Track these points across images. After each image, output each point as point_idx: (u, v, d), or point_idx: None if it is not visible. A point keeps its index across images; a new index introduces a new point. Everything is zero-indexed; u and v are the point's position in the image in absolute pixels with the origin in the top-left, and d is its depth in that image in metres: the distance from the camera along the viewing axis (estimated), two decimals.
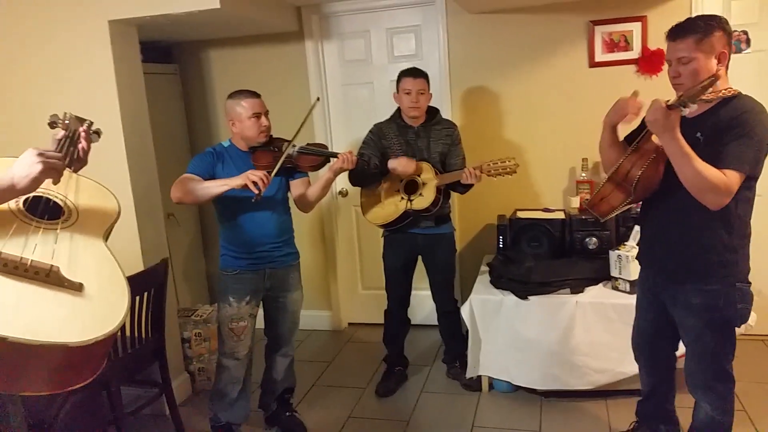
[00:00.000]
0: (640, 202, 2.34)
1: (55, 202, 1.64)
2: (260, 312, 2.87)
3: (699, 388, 2.26)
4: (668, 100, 1.92)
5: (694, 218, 2.08)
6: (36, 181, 1.45)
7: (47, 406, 2.17)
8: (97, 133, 1.92)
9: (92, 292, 1.46)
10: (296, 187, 2.83)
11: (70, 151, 1.69)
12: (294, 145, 2.73)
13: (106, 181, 3.04)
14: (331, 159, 2.77)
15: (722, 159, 1.94)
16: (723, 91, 2.02)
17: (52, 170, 1.48)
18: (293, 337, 2.97)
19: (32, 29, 3.04)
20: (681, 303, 2.20)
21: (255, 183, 2.46)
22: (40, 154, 1.47)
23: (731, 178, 1.92)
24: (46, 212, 1.59)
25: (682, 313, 2.21)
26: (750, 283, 2.15)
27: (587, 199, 2.26)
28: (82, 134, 1.78)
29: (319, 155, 2.77)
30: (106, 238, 1.67)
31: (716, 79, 1.87)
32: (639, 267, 2.47)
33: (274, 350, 2.95)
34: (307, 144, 2.82)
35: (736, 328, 2.19)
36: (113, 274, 1.55)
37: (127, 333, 2.76)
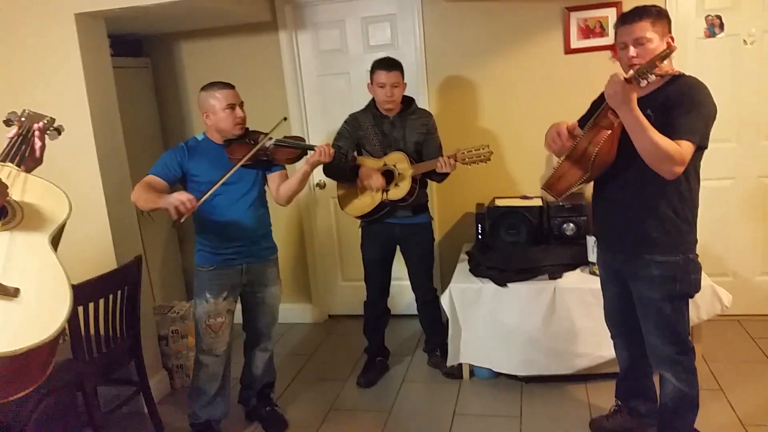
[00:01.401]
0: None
1: None
2: (238, 307, 2.84)
3: (663, 362, 2.32)
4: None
5: (650, 189, 2.16)
6: None
7: (19, 407, 2.12)
8: (58, 130, 1.87)
9: (29, 297, 1.37)
10: (273, 180, 2.79)
11: (22, 149, 1.65)
12: (270, 138, 2.69)
13: (76, 178, 3.00)
14: (308, 152, 2.73)
15: (675, 131, 2.03)
16: (671, 71, 2.13)
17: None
18: (272, 332, 2.94)
19: None
20: (640, 277, 2.27)
21: (177, 207, 2.37)
22: None
23: (685, 147, 2.02)
24: None
25: (642, 286, 2.28)
26: (698, 254, 2.25)
27: (546, 181, 2.31)
28: (36, 132, 1.74)
29: (296, 148, 2.73)
30: (55, 239, 1.59)
31: (671, 51, 1.96)
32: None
33: (252, 345, 2.93)
34: (284, 137, 2.78)
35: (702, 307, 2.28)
36: (55, 279, 1.45)
37: (102, 332, 2.72)
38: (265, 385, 3.00)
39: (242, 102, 2.71)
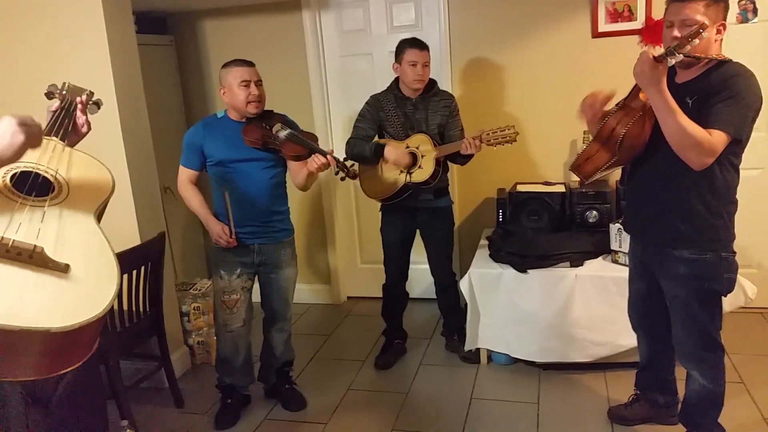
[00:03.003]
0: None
1: (44, 178, 1.54)
2: (257, 285, 2.87)
3: (689, 359, 2.28)
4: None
5: (680, 181, 2.08)
6: (20, 152, 1.37)
7: (45, 381, 2.16)
8: (97, 104, 1.85)
9: (79, 273, 1.37)
10: (291, 165, 2.78)
11: (65, 123, 1.63)
12: (284, 128, 2.64)
13: (100, 155, 3.00)
14: (315, 154, 2.62)
15: (709, 119, 1.94)
16: (715, 56, 2.01)
17: (33, 137, 1.40)
18: (287, 313, 2.95)
19: (23, 1, 2.96)
20: (668, 273, 2.21)
21: (217, 241, 2.71)
22: (22, 123, 1.38)
23: (716, 137, 1.92)
24: (34, 188, 1.50)
25: (669, 283, 2.22)
26: (735, 252, 2.16)
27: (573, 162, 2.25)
28: (79, 106, 1.72)
29: (305, 147, 2.65)
30: (98, 215, 1.58)
31: (704, 28, 1.83)
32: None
33: (270, 325, 2.96)
34: (301, 131, 2.72)
35: (725, 298, 2.20)
36: (102, 255, 1.45)
37: (125, 307, 2.76)
38: (284, 364, 3.03)
39: (260, 80, 2.69)
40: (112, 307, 2.61)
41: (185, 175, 2.76)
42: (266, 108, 2.76)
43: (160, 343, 3.00)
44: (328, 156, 2.61)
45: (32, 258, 1.31)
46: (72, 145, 1.72)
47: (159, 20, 4.05)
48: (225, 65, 2.69)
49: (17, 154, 1.38)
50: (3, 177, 1.49)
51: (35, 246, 1.33)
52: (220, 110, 2.79)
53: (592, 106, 2.22)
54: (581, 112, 2.27)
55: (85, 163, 1.68)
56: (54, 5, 2.93)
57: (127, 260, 2.71)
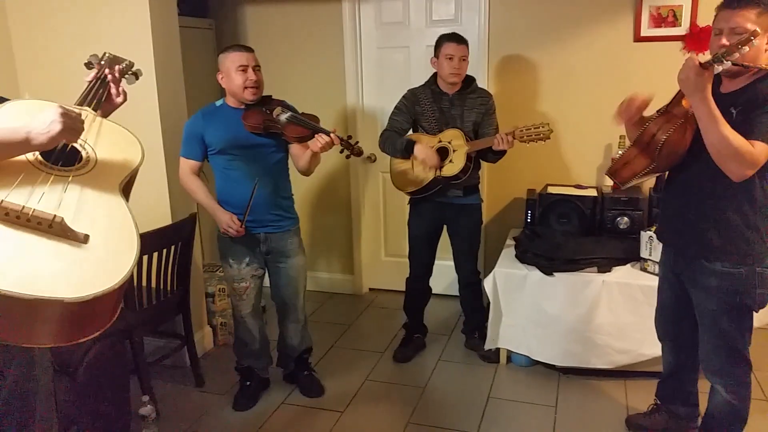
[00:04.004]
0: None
1: (72, 147, 1.55)
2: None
3: (715, 373, 2.24)
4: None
5: (719, 191, 2.04)
6: (53, 141, 1.39)
7: (72, 350, 2.22)
8: (136, 74, 1.87)
9: (98, 244, 1.36)
10: (293, 148, 2.76)
11: (99, 93, 1.64)
12: (285, 111, 2.62)
13: (137, 134, 3.06)
14: (318, 134, 2.59)
15: (752, 130, 1.89)
16: (764, 65, 1.95)
17: (71, 131, 1.42)
18: (299, 303, 2.94)
19: None
20: (699, 285, 2.17)
21: (226, 230, 2.67)
22: (64, 114, 1.40)
23: (759, 149, 1.88)
24: (61, 158, 1.50)
25: (700, 295, 2.19)
26: None
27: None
28: (110, 77, 1.71)
29: (307, 128, 2.63)
30: (126, 186, 1.57)
31: (755, 36, 1.77)
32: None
33: (283, 317, 2.97)
34: (302, 113, 2.70)
35: (755, 313, 2.15)
36: (124, 227, 1.44)
37: (153, 285, 2.81)
38: (302, 352, 3.05)
39: (258, 66, 2.66)
40: (140, 284, 2.69)
41: (187, 166, 2.73)
42: (283, 97, 2.75)
43: (184, 322, 3.05)
44: (332, 134, 2.58)
45: (51, 228, 1.32)
46: (106, 115, 1.74)
47: (200, 3, 4.09)
48: (222, 50, 2.68)
49: (51, 142, 1.40)
50: None
51: (55, 216, 1.33)
52: (219, 99, 2.77)
53: (628, 110, 2.19)
54: (618, 114, 2.24)
55: (116, 133, 1.68)
56: None
57: (158, 239, 2.77)
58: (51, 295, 1.22)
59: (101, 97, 1.67)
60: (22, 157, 1.44)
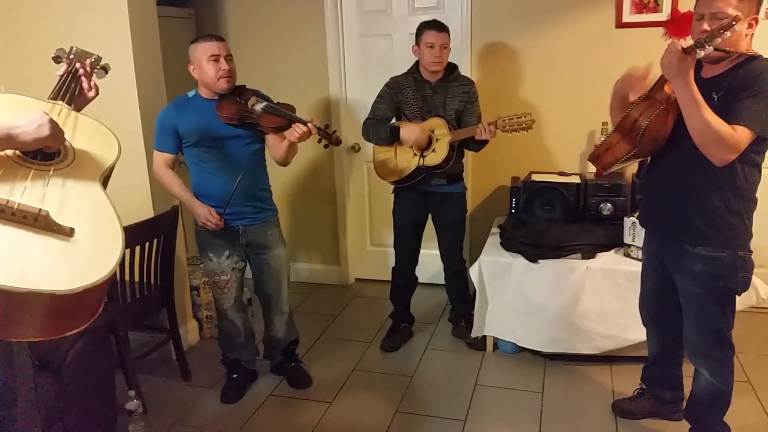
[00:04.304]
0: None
1: None
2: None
3: (699, 356, 2.27)
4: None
5: (700, 177, 2.05)
6: (38, 143, 1.42)
7: (56, 347, 2.19)
8: (104, 69, 1.85)
9: (83, 237, 1.38)
10: (269, 139, 2.73)
11: (72, 87, 1.63)
12: (259, 101, 2.58)
13: (117, 127, 3.01)
14: (295, 123, 2.56)
15: (734, 115, 1.90)
16: (745, 50, 1.97)
17: (56, 139, 1.44)
18: (283, 295, 2.92)
19: None
20: (683, 269, 2.19)
21: (204, 224, 2.64)
22: (53, 122, 1.43)
23: (740, 133, 1.89)
24: (38, 153, 1.49)
25: (684, 279, 2.21)
26: (751, 251, 2.14)
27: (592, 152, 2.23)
28: (81, 71, 1.70)
29: (283, 117, 2.59)
30: (104, 180, 1.58)
31: (737, 21, 1.78)
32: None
33: (268, 310, 2.95)
34: (277, 103, 2.66)
35: (738, 297, 2.18)
36: (107, 220, 1.46)
37: (136, 279, 2.78)
38: (289, 343, 3.04)
39: (230, 55, 2.62)
40: (123, 278, 2.66)
41: (161, 159, 2.67)
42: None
43: (169, 316, 3.03)
44: (309, 124, 2.55)
45: (37, 221, 1.32)
46: (79, 109, 1.73)
47: None
48: (193, 41, 2.63)
49: (35, 144, 1.42)
50: None
51: (40, 209, 1.34)
52: (191, 90, 2.72)
53: (630, 79, 2.17)
54: (617, 86, 2.23)
55: (92, 127, 1.68)
56: None
57: (140, 232, 2.73)
58: (43, 288, 1.23)
59: (74, 92, 1.66)
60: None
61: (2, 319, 1.23)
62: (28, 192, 1.38)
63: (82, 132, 1.63)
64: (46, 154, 1.50)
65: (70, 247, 1.35)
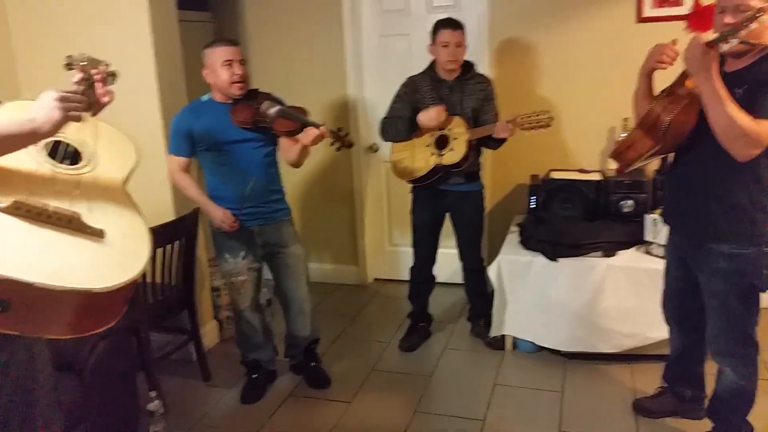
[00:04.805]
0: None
1: (75, 148, 1.61)
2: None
3: (722, 354, 2.24)
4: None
5: (724, 172, 2.02)
6: (57, 126, 1.42)
7: (78, 348, 2.23)
8: (113, 75, 1.88)
9: (114, 238, 1.44)
10: (282, 142, 2.75)
11: (88, 93, 1.66)
12: (273, 105, 2.59)
13: (138, 130, 3.04)
14: (308, 127, 2.59)
15: (758, 109, 1.87)
16: None
17: (73, 112, 1.45)
18: (302, 292, 2.92)
19: None
20: (707, 267, 2.15)
21: (220, 226, 2.67)
22: (61, 98, 1.42)
23: (765, 128, 1.85)
24: (65, 157, 1.56)
25: (707, 277, 2.17)
26: None
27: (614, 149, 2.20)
28: (97, 77, 1.73)
29: (297, 121, 2.61)
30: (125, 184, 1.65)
31: (763, 12, 1.74)
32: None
33: (288, 307, 2.96)
34: (290, 106, 2.67)
35: (762, 294, 2.14)
36: (134, 221, 1.53)
37: (158, 280, 2.82)
38: (310, 342, 3.06)
39: (244, 60, 2.65)
40: (145, 279, 2.70)
41: (176, 163, 2.70)
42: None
43: (190, 317, 3.06)
44: (322, 127, 2.58)
45: (71, 223, 1.40)
46: (95, 115, 1.74)
47: None
48: (207, 45, 2.65)
49: (54, 129, 1.43)
50: (37, 145, 1.54)
51: (73, 212, 1.41)
52: (205, 95, 2.74)
53: (654, 58, 2.13)
54: (645, 64, 2.19)
55: (111, 134, 1.75)
56: None
57: (161, 234, 2.76)
58: (81, 285, 1.30)
59: (91, 98, 1.69)
60: (29, 156, 1.50)
61: (39, 317, 1.30)
62: (59, 195, 1.45)
63: (104, 138, 1.70)
64: (72, 158, 1.57)
65: (102, 247, 1.42)
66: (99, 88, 1.74)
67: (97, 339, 2.29)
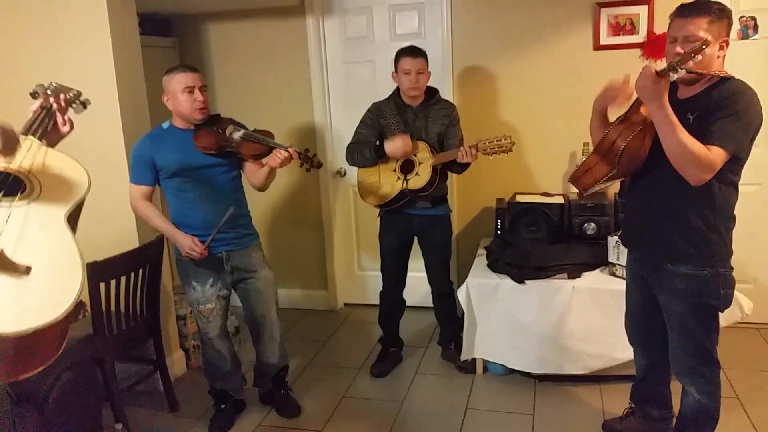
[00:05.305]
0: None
1: (16, 177, 1.52)
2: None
3: (685, 374, 2.28)
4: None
5: (678, 196, 2.08)
6: None
7: (39, 381, 2.16)
8: (84, 104, 1.86)
9: (40, 276, 1.34)
10: (248, 166, 2.74)
11: (45, 122, 1.62)
12: (237, 129, 2.60)
13: (101, 157, 3.01)
14: (276, 149, 2.59)
15: (708, 135, 1.94)
16: (717, 72, 2.02)
17: (5, 145, 1.41)
18: (272, 318, 2.89)
19: (28, 1, 2.97)
20: (666, 288, 2.21)
21: (188, 254, 2.62)
22: None
23: (715, 153, 1.92)
24: (3, 187, 1.47)
25: (667, 298, 2.22)
26: (732, 268, 2.16)
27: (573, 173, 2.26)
28: (55, 105, 1.70)
29: (263, 144, 2.62)
30: (72, 216, 1.55)
31: (706, 45, 1.83)
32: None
33: (258, 334, 2.92)
34: (254, 130, 2.68)
35: (721, 313, 2.20)
36: (68, 258, 1.42)
37: (122, 309, 2.76)
38: (279, 369, 3.01)
39: (204, 86, 2.65)
40: (109, 309, 2.63)
41: (138, 192, 2.66)
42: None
43: (156, 347, 3.00)
44: (290, 149, 2.58)
45: None
46: (53, 144, 1.72)
47: (162, 22, 4.06)
48: (168, 71, 2.64)
49: None
50: None
51: None
52: (165, 122, 2.73)
53: (606, 98, 2.20)
54: (598, 100, 2.26)
55: (61, 162, 1.65)
56: (58, 5, 2.94)
57: (125, 263, 2.72)
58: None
59: (47, 127, 1.66)
60: None
61: None
62: None
63: (51, 167, 1.61)
64: (11, 188, 1.49)
65: (25, 285, 1.31)
66: (59, 116, 1.72)
67: (60, 371, 2.21)
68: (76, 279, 1.38)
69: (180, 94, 2.58)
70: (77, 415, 2.37)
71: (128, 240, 3.01)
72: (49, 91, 1.77)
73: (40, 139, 1.65)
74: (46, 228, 1.46)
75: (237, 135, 2.58)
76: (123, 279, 2.72)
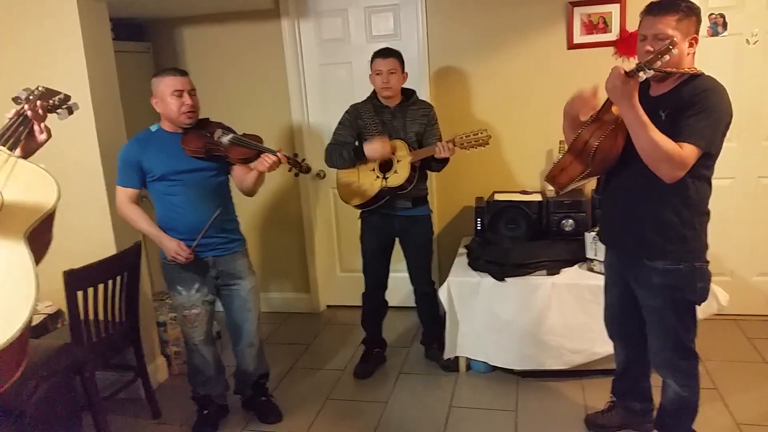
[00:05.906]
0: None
1: None
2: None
3: (664, 367, 2.31)
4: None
5: (652, 193, 2.10)
6: None
7: (17, 393, 2.12)
8: (70, 109, 1.77)
9: None
10: (235, 169, 2.74)
11: (19, 131, 1.54)
12: (226, 133, 2.60)
13: (75, 163, 2.97)
14: (264, 154, 2.59)
15: (680, 132, 1.97)
16: (687, 69, 2.04)
17: None
18: (253, 326, 2.87)
19: None
20: (643, 283, 2.23)
21: (174, 258, 2.59)
22: None
23: (687, 151, 1.95)
24: None
25: (644, 293, 2.25)
26: (708, 261, 2.19)
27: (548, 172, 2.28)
28: (29, 113, 1.62)
29: (251, 148, 2.61)
30: (43, 225, 1.48)
31: (673, 45, 1.86)
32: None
33: (237, 341, 2.90)
34: (243, 134, 2.68)
35: (698, 307, 2.23)
36: (21, 279, 1.34)
37: (101, 317, 2.73)
38: (259, 377, 2.99)
39: (194, 89, 2.63)
40: (87, 317, 2.60)
41: (125, 195, 2.64)
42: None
43: (136, 354, 2.97)
44: (279, 153, 2.58)
45: None
46: (29, 153, 1.64)
47: (136, 27, 4.02)
48: (156, 74, 2.63)
49: None
50: None
51: None
52: (154, 125, 2.70)
53: (579, 100, 2.22)
54: (566, 109, 2.27)
55: (30, 174, 1.55)
56: (29, 12, 2.90)
57: (103, 270, 2.69)
58: None
59: (20, 135, 1.57)
60: None
61: None
62: None
63: (18, 179, 1.52)
64: None
65: None
66: (35, 124, 1.64)
67: (38, 382, 2.18)
68: (28, 300, 1.32)
69: (168, 97, 2.56)
70: (57, 425, 2.34)
71: (105, 246, 2.98)
72: (31, 97, 1.68)
73: (11, 149, 1.57)
74: (1, 246, 1.38)
75: (225, 139, 2.58)
76: (101, 287, 2.69)
